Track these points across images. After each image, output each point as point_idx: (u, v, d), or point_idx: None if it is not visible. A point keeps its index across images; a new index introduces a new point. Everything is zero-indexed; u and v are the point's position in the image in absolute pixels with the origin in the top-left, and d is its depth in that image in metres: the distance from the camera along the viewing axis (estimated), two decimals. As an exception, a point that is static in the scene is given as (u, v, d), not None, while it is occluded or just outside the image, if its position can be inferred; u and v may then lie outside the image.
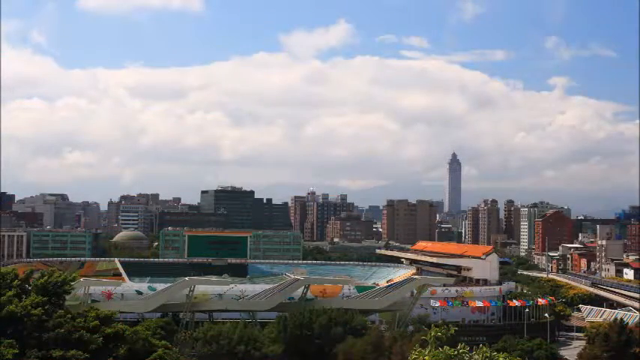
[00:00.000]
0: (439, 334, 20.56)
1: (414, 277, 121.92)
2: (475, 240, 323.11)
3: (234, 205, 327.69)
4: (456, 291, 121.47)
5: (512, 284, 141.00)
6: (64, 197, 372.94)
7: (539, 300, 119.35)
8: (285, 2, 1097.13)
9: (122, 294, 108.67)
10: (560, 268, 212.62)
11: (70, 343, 43.08)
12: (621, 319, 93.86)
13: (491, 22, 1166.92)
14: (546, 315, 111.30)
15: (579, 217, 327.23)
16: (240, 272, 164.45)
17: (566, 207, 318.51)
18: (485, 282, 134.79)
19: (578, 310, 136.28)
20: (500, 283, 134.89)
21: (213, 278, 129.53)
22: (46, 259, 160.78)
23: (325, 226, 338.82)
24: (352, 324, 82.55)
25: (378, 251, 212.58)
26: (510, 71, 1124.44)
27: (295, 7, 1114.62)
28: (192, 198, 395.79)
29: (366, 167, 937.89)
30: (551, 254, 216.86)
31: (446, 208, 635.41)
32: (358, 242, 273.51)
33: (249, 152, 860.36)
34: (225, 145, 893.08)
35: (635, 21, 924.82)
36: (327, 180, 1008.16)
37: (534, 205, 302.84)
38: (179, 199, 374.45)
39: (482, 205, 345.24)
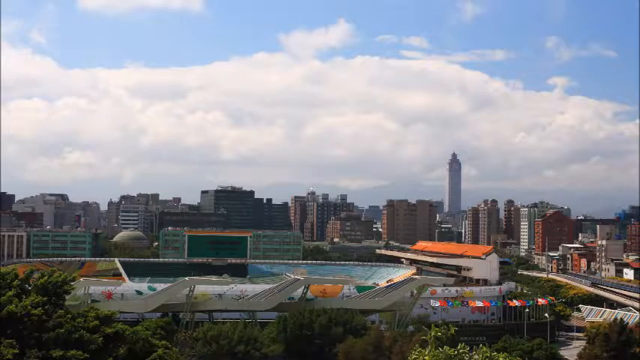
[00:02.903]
0: (439, 334, 20.57)
1: (414, 277, 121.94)
2: (475, 240, 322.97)
3: (234, 205, 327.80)
4: (456, 291, 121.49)
5: (512, 284, 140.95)
6: (64, 197, 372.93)
7: (539, 300, 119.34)
8: (285, 2, 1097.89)
9: (122, 294, 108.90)
10: (560, 268, 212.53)
11: (70, 343, 43.02)
12: (621, 319, 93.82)
13: (491, 22, 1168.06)
14: (546, 315, 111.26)
15: (579, 217, 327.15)
16: (240, 272, 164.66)
17: (566, 207, 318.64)
18: (485, 282, 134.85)
19: (578, 310, 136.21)
20: (500, 283, 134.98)
21: (213, 278, 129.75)
22: (46, 259, 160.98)
23: (325, 226, 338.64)
24: (352, 324, 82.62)
25: (378, 251, 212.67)
26: (510, 71, 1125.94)
27: (295, 7, 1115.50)
28: (192, 198, 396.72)
29: (366, 167, 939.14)
30: (551, 254, 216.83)
31: (446, 208, 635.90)
32: (358, 242, 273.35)
33: (249, 152, 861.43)
34: (225, 145, 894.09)
35: (635, 21, 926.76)
36: (327, 180, 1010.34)
37: (534, 205, 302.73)
38: (179, 199, 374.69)
39: (482, 205, 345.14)
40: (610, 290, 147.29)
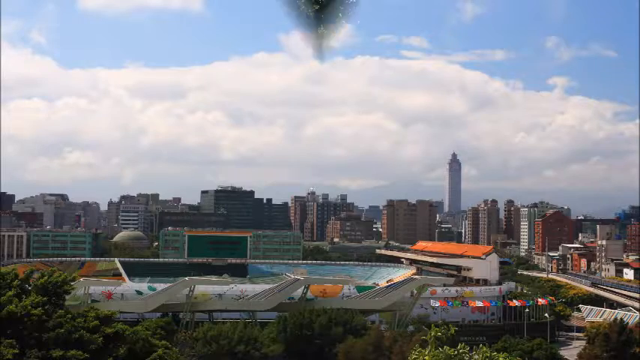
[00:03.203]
0: (439, 334, 20.55)
1: (414, 277, 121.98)
2: (475, 240, 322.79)
3: (234, 205, 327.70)
4: (456, 291, 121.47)
5: (512, 284, 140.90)
6: (64, 197, 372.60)
7: (539, 300, 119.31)
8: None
9: (122, 294, 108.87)
10: (560, 268, 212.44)
11: (70, 343, 43.04)
12: (621, 319, 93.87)
13: (491, 22, 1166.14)
14: (546, 315, 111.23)
15: (579, 217, 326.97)
16: (240, 272, 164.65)
17: (566, 207, 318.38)
18: (485, 282, 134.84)
19: (578, 310, 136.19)
20: (500, 283, 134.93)
21: (213, 278, 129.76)
22: (46, 259, 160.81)
23: (325, 226, 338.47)
24: (352, 324, 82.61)
25: (378, 251, 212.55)
26: (510, 71, 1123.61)
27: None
28: (192, 198, 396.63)
29: (366, 167, 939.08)
30: (551, 254, 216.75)
31: (446, 208, 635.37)
32: (358, 242, 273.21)
33: (249, 152, 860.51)
34: (225, 145, 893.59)
35: (635, 21, 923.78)
36: (327, 180, 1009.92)
37: (534, 205, 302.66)
38: (179, 199, 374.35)
39: (482, 205, 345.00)
40: (610, 290, 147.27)
